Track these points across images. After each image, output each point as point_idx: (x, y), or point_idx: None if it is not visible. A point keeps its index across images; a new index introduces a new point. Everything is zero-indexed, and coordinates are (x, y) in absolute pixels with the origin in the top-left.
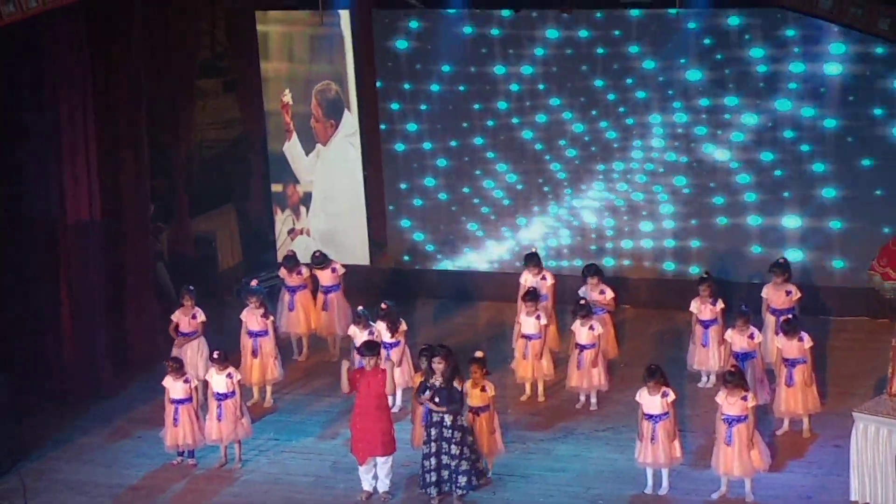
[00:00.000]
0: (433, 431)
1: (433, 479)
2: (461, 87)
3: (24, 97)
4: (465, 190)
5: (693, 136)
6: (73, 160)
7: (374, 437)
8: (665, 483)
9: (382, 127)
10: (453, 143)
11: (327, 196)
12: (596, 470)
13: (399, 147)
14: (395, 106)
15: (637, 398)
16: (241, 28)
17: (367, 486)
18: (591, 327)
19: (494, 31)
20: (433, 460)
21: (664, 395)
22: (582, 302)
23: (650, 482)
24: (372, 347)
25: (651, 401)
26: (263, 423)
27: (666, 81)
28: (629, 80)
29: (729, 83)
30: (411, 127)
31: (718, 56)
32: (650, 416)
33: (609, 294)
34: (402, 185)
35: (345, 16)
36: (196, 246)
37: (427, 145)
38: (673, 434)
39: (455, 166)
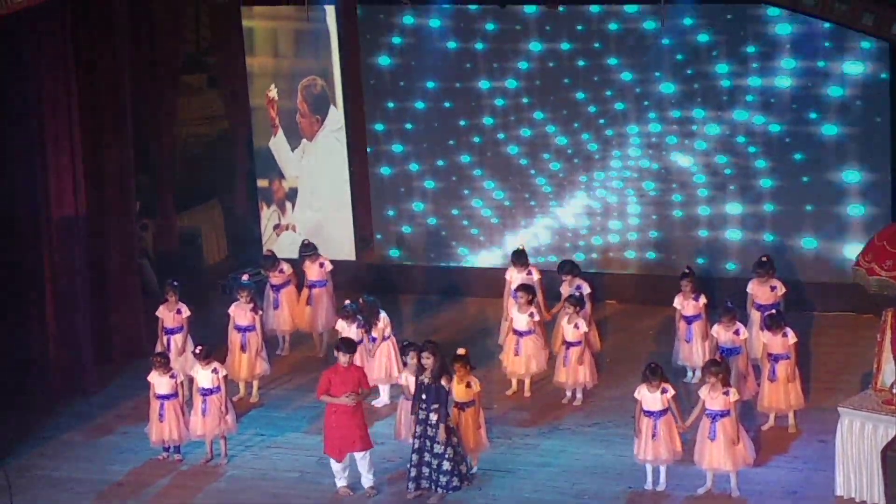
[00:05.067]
0: (419, 428)
1: (413, 474)
2: (446, 104)
3: (7, 93)
4: (454, 210)
5: (675, 140)
6: (57, 157)
7: (351, 432)
8: (662, 479)
9: (369, 150)
10: (440, 163)
11: (313, 191)
12: (582, 465)
13: (385, 166)
14: (379, 127)
15: (636, 395)
16: (226, 23)
17: (342, 482)
18: (576, 325)
19: (478, 46)
20: (415, 456)
21: (664, 391)
22: (577, 294)
23: (650, 478)
24: (348, 344)
25: (651, 397)
26: (249, 419)
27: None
28: (608, 92)
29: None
30: (397, 148)
31: (689, 71)
32: (650, 413)
33: (586, 289)
34: (390, 190)
35: (330, 11)
36: (181, 242)
37: (413, 166)
38: (674, 429)
39: (441, 184)
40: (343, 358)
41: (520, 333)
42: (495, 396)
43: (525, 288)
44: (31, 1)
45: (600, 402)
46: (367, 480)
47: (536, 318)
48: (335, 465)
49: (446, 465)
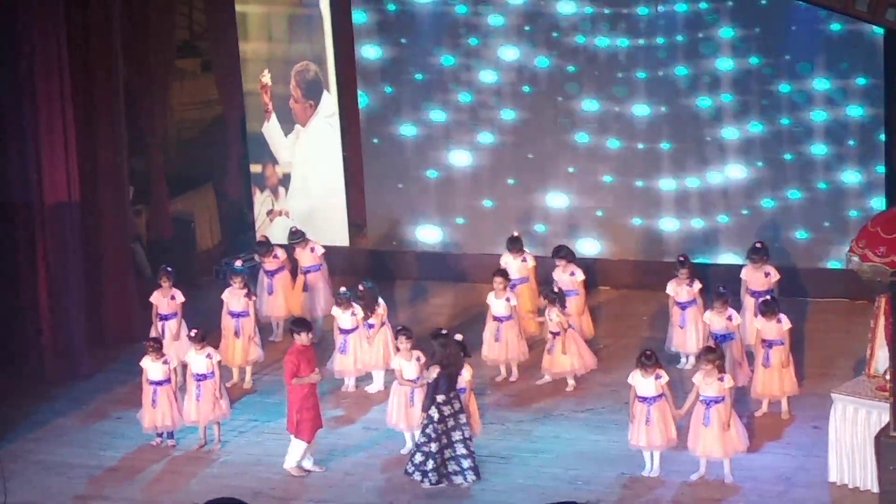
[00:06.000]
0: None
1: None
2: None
3: (0, 79)
4: (442, 172)
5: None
6: (50, 142)
7: (319, 411)
8: (656, 465)
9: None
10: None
11: (306, 177)
12: (575, 451)
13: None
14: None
15: (630, 380)
16: (220, 8)
17: (310, 461)
18: (550, 318)
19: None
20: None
21: (658, 377)
22: (556, 289)
23: (648, 464)
24: (304, 324)
25: (645, 383)
26: (242, 405)
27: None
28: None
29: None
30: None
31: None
32: (644, 399)
33: (579, 276)
34: (382, 168)
35: None
36: (174, 227)
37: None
38: (667, 415)
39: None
40: (305, 338)
41: (499, 319)
42: (488, 383)
43: (501, 273)
44: None
45: (593, 387)
46: (305, 462)
47: (513, 303)
48: (304, 447)
49: (418, 458)
